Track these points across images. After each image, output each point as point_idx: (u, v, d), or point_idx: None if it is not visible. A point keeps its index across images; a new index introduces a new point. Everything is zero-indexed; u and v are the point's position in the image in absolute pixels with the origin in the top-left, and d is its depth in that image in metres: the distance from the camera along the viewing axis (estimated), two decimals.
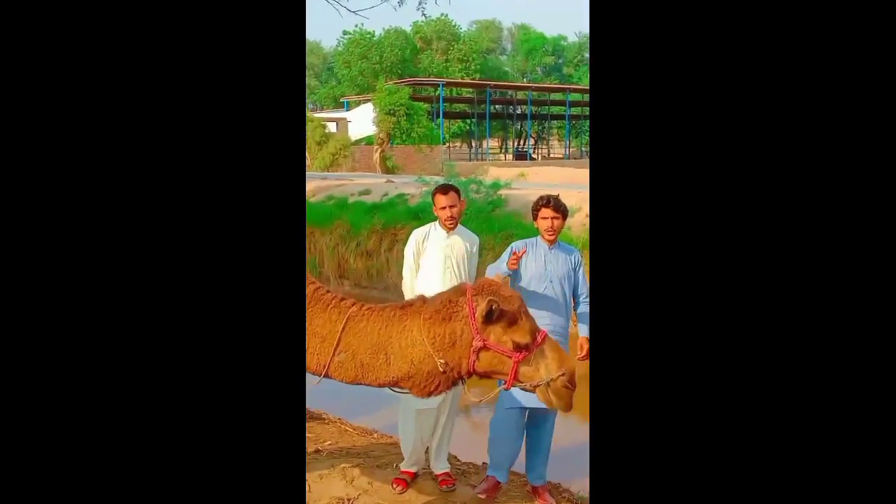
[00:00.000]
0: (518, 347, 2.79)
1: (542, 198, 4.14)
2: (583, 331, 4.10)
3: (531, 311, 3.99)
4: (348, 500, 3.96)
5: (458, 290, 2.95)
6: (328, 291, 3.22)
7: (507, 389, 3.04)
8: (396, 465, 4.24)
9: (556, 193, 4.23)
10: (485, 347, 2.80)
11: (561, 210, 4.06)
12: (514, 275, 4.07)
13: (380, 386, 3.11)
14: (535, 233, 4.20)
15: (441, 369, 2.87)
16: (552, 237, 4.07)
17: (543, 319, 3.97)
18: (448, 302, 2.92)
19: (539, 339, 2.84)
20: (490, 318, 2.76)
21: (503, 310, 2.78)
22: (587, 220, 10.52)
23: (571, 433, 4.41)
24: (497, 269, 3.95)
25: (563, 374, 2.80)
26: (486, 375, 2.95)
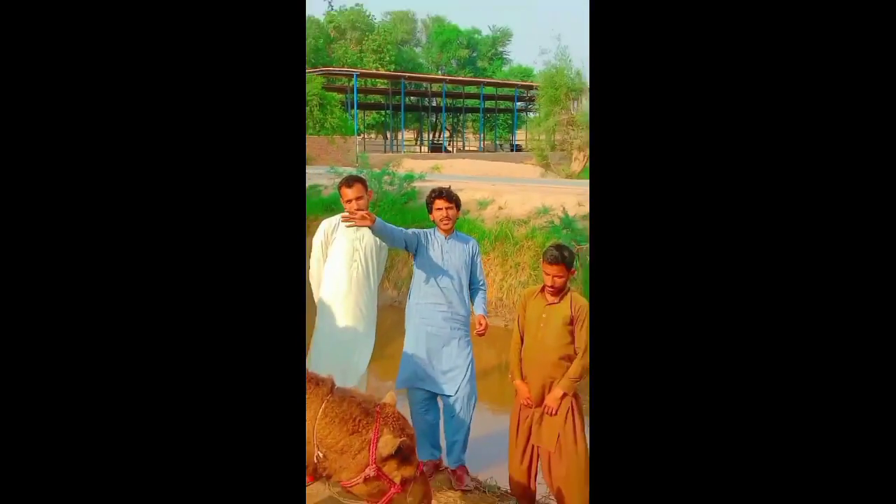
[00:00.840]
0: (404, 481, 2.86)
1: (434, 190, 4.27)
2: (479, 309, 4.25)
3: (430, 301, 4.09)
4: None
5: (368, 411, 2.93)
6: None
7: None
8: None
9: (447, 186, 4.38)
10: (376, 477, 2.84)
11: (454, 200, 4.19)
12: (418, 268, 4.18)
13: None
14: None
15: (315, 459, 2.89)
16: (448, 226, 4.18)
17: (441, 307, 4.12)
18: (359, 417, 2.90)
19: (419, 472, 2.94)
20: (396, 455, 2.80)
21: (407, 451, 2.84)
22: (499, 213, 10.67)
23: (486, 424, 4.48)
24: (388, 232, 4.00)
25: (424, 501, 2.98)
26: (355, 494, 3.02)
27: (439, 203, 4.15)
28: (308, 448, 2.84)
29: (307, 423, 2.83)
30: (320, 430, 2.86)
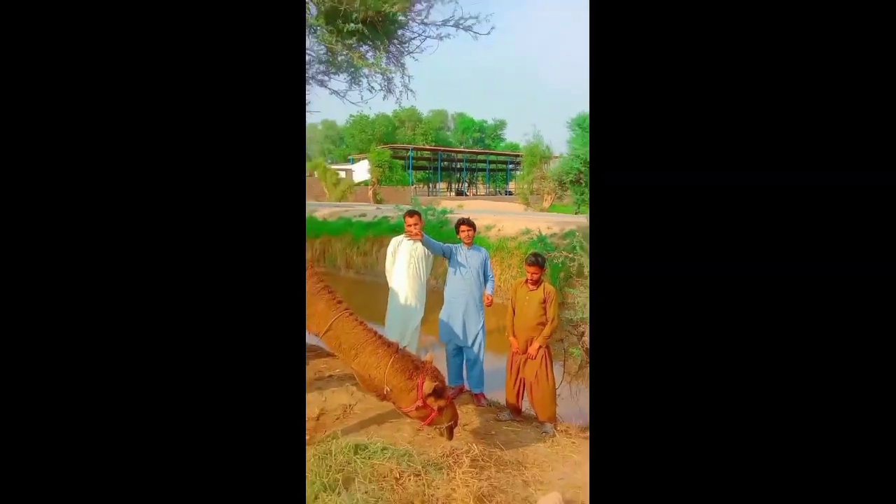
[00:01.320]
0: (440, 409, 2.94)
1: (460, 219, 4.31)
2: (489, 290, 4.27)
3: (458, 287, 4.09)
4: (350, 406, 3.92)
5: (418, 366, 2.95)
6: (331, 292, 3.17)
7: (424, 425, 3.12)
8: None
9: (468, 216, 4.52)
10: (423, 406, 2.90)
11: (472, 225, 4.26)
12: (451, 267, 4.18)
13: (345, 363, 3.15)
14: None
15: (384, 392, 2.92)
16: (469, 242, 4.24)
17: (464, 292, 4.19)
18: (411, 369, 2.92)
19: (449, 402, 3.00)
20: (433, 393, 2.88)
21: (440, 391, 2.93)
22: (498, 233, 10.62)
23: (491, 363, 4.46)
24: (432, 245, 4.16)
25: (453, 422, 3.05)
26: (410, 417, 3.04)
27: (463, 227, 4.22)
28: (379, 385, 2.93)
29: (377, 369, 2.89)
30: (389, 375, 2.90)
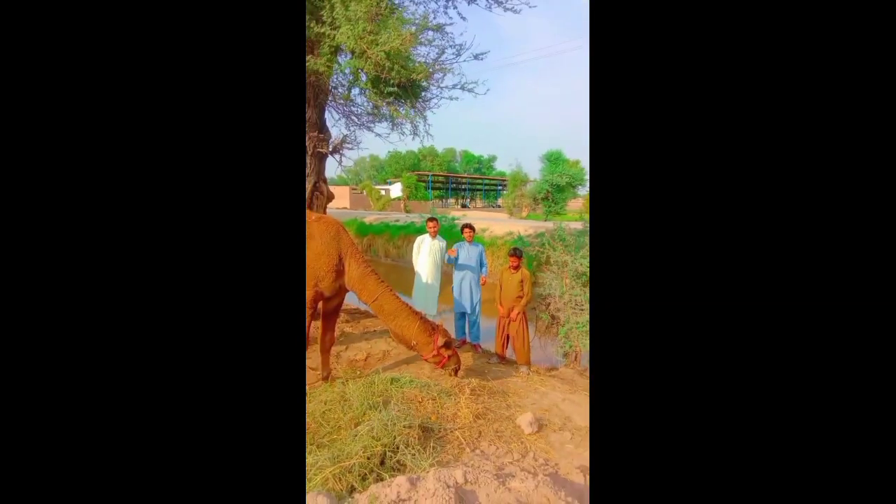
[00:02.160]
0: (448, 356, 3.03)
1: (464, 224, 4.33)
2: (484, 273, 4.25)
3: (463, 272, 4.06)
4: (388, 351, 3.94)
5: (434, 328, 3.02)
6: (376, 273, 3.16)
7: (437, 367, 3.18)
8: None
9: (469, 222, 4.45)
10: (436, 353, 2.99)
11: (473, 228, 4.25)
12: (456, 256, 4.20)
13: (385, 324, 3.15)
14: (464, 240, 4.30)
15: (412, 344, 3.01)
16: (470, 240, 4.24)
17: (468, 276, 4.18)
18: (431, 330, 3.01)
19: (454, 352, 3.06)
20: (444, 345, 2.99)
21: (449, 343, 3.03)
22: (490, 233, 10.56)
23: (485, 324, 4.49)
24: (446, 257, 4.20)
25: (457, 365, 3.09)
26: (428, 361, 3.07)
27: (466, 230, 4.23)
28: (409, 339, 2.98)
29: (408, 329, 2.95)
30: (416, 333, 2.99)
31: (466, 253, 4.24)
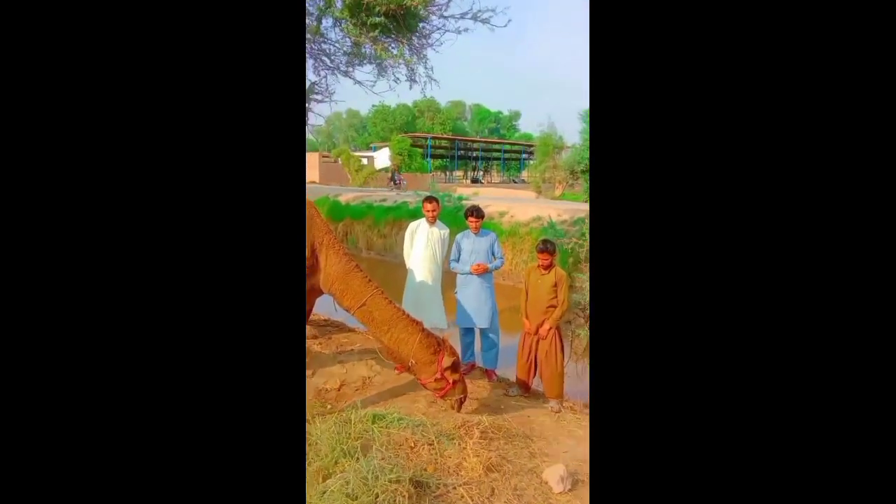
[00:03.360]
0: (454, 382, 3.09)
1: (468, 209, 4.21)
2: (492, 266, 4.20)
3: (468, 272, 4.08)
4: (369, 378, 3.95)
5: (439, 343, 3.09)
6: (361, 271, 3.21)
7: (438, 397, 3.24)
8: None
9: (477, 205, 4.36)
10: (440, 378, 3.04)
11: (480, 216, 4.16)
12: (457, 253, 4.22)
13: (374, 337, 3.26)
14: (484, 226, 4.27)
15: (408, 364, 3.06)
16: (475, 231, 4.18)
17: (475, 276, 4.13)
18: (435, 346, 3.07)
19: (461, 378, 3.13)
20: (450, 367, 3.03)
21: (456, 365, 3.09)
22: (511, 219, 10.55)
23: (504, 338, 4.47)
24: (458, 267, 4.15)
25: (464, 395, 3.16)
26: (427, 388, 3.16)
27: (471, 219, 4.16)
28: (406, 357, 3.05)
29: (406, 344, 3.02)
30: (417, 350, 3.02)
31: (471, 247, 4.17)
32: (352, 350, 4.65)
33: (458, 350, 4.09)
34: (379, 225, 12.95)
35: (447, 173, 44.19)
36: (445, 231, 4.39)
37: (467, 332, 4.30)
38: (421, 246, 4.31)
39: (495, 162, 48.75)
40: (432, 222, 4.31)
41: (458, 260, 4.24)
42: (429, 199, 4.32)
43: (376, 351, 4.24)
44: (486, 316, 4.14)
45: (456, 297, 4.29)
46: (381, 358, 4.26)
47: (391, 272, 10.02)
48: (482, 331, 4.21)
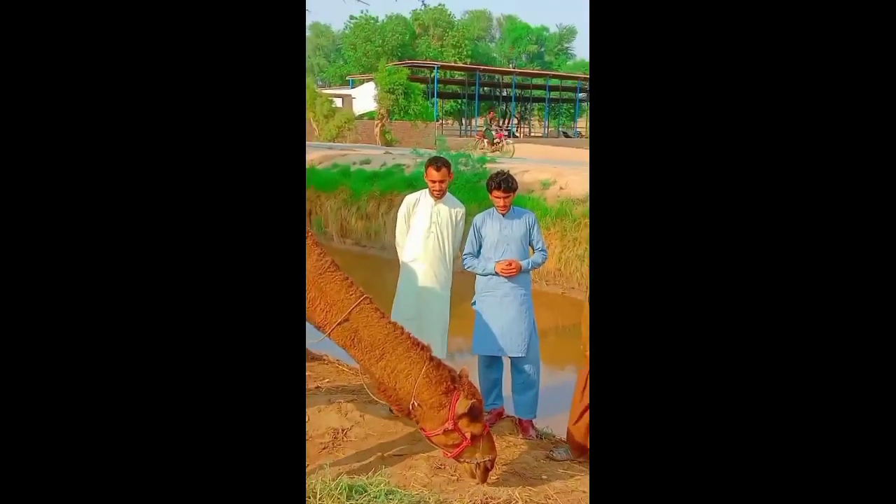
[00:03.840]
0: (473, 437, 3.08)
1: (493, 180, 4.14)
2: (524, 262, 4.13)
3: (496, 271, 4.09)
4: (342, 430, 3.99)
5: (454, 379, 3.14)
6: (339, 270, 3.28)
7: (449, 458, 3.27)
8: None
9: (506, 172, 4.26)
10: (452, 430, 3.06)
11: (511, 188, 4.09)
12: (477, 243, 4.21)
13: (361, 367, 3.35)
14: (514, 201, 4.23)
15: (409, 406, 3.09)
16: (504, 211, 4.14)
17: (502, 279, 4.09)
18: (448, 382, 3.09)
19: (485, 431, 3.16)
20: (468, 414, 3.03)
21: (477, 411, 3.08)
22: (560, 192, 10.52)
23: (548, 375, 4.46)
24: (476, 265, 4.16)
25: (490, 458, 3.17)
26: (434, 443, 3.23)
27: (497, 193, 4.11)
28: (405, 396, 3.11)
29: (407, 378, 3.10)
30: (420, 386, 3.04)
31: (497, 235, 4.12)
32: (318, 388, 4.70)
33: (480, 389, 4.11)
34: (358, 201, 12.94)
35: (463, 122, 44.09)
36: (459, 210, 4.40)
37: (492, 363, 4.25)
38: (421, 231, 4.30)
39: (537, 105, 48.49)
40: (439, 196, 4.29)
41: (477, 254, 4.20)
42: (434, 161, 4.29)
43: (363, 388, 4.27)
44: (519, 340, 4.08)
45: (474, 311, 4.29)
46: (361, 400, 4.30)
47: (377, 271, 10.07)
48: (514, 362, 4.18)
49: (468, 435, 3.05)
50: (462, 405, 2.99)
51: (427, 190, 4.33)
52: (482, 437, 3.12)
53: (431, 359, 3.11)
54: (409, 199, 4.42)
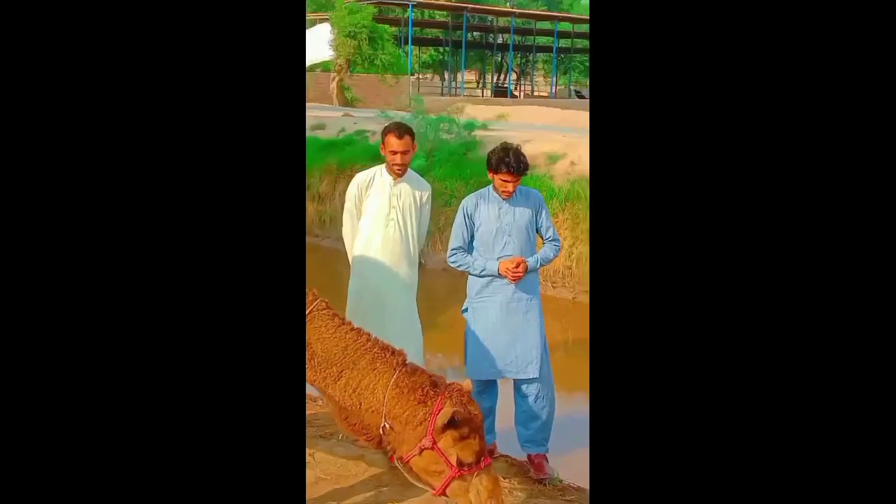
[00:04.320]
0: (460, 463, 2.96)
1: (497, 157, 4.00)
2: (530, 259, 4.09)
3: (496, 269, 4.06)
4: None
5: (437, 384, 3.13)
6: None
7: (435, 495, 3.17)
8: (341, 437, 4.26)
9: (512, 144, 4.12)
10: (431, 448, 2.98)
11: (521, 169, 3.98)
12: (468, 233, 4.14)
13: (317, 389, 3.37)
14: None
15: (381, 430, 3.11)
16: (507, 196, 4.06)
17: (504, 281, 4.04)
18: (427, 387, 3.08)
19: (482, 464, 3.02)
20: (449, 426, 2.93)
21: (462, 424, 2.96)
22: (572, 169, 10.56)
23: (561, 400, 4.47)
24: (468, 263, 4.08)
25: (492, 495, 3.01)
26: (415, 474, 3.16)
27: (504, 176, 3.98)
28: (375, 420, 3.14)
29: (374, 394, 3.14)
30: (390, 399, 3.08)
31: (497, 223, 4.07)
32: None
33: None
34: (310, 177, 12.94)
35: (445, 76, 44.13)
36: (425, 192, 4.43)
37: (486, 388, 4.24)
38: (378, 219, 4.29)
39: (541, 56, 48.67)
40: (400, 173, 4.31)
41: (468, 248, 4.17)
42: (395, 128, 4.28)
43: (314, 417, 4.25)
44: (530, 358, 4.09)
45: (465, 321, 4.29)
46: (310, 434, 4.28)
47: (333, 267, 10.04)
48: (520, 386, 4.17)
49: (452, 458, 2.98)
50: (443, 415, 2.95)
51: (384, 165, 4.34)
52: (478, 472, 3.01)
53: (404, 364, 3.13)
54: (361, 177, 4.43)
